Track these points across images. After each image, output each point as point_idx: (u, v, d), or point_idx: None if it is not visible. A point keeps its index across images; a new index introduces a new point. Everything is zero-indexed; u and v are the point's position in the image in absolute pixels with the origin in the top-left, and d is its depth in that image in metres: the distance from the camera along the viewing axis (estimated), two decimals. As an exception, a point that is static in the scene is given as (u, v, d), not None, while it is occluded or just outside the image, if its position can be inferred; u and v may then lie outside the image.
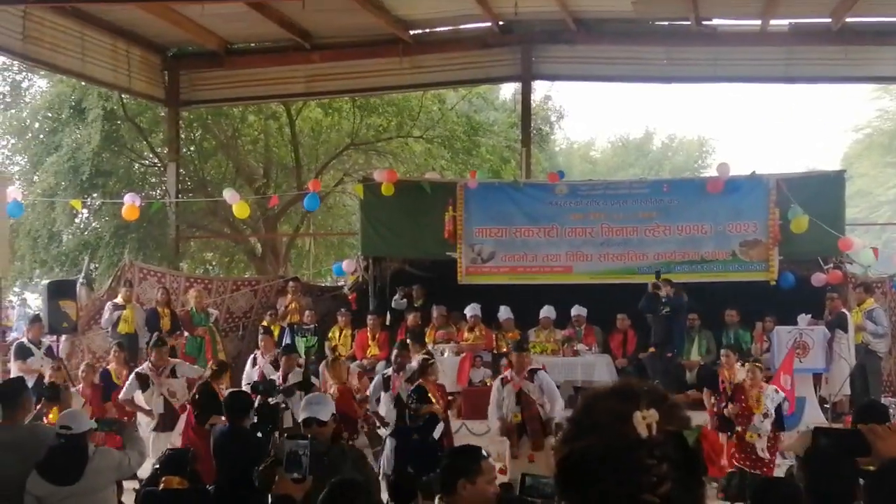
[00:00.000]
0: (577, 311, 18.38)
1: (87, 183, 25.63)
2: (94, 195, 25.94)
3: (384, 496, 8.02)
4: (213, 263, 33.14)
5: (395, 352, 14.11)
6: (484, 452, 5.93)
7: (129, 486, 10.43)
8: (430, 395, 12.73)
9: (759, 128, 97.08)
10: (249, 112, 28.87)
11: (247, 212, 21.77)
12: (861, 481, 5.73)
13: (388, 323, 19.29)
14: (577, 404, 2.29)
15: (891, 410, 14.10)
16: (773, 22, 20.83)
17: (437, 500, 5.86)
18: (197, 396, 12.86)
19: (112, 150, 26.62)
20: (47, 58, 20.08)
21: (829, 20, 20.38)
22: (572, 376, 16.95)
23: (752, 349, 17.39)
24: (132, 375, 14.57)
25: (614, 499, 2.10)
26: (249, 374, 16.23)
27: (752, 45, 21.54)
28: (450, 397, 13.99)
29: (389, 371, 13.82)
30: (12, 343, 17.09)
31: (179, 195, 24.68)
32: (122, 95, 25.09)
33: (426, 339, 18.10)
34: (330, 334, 18.78)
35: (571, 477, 2.17)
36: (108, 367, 15.85)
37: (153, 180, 28.96)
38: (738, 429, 12.54)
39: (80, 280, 20.04)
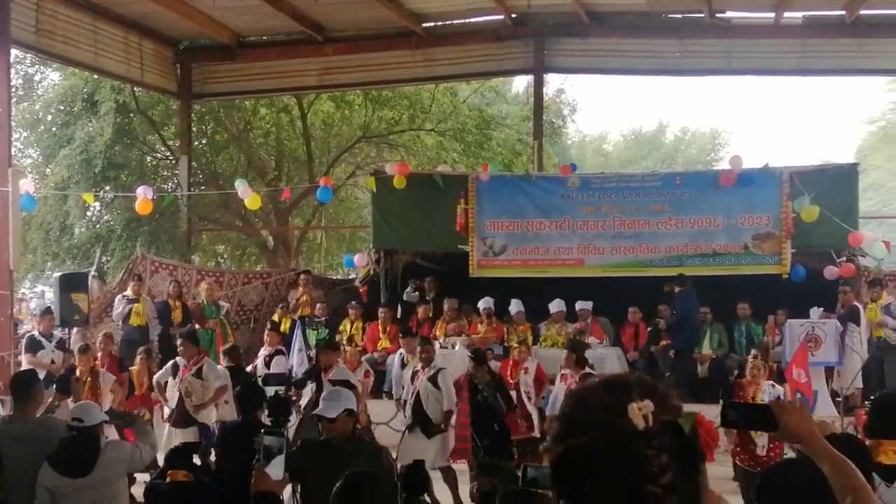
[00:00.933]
0: (581, 304, 18.35)
1: (99, 176, 25.68)
2: (107, 188, 26.01)
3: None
4: (225, 256, 33.17)
5: (419, 348, 14.05)
6: None
7: (142, 478, 10.44)
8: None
9: (772, 120, 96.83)
10: (261, 105, 28.87)
11: (258, 204, 21.79)
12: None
13: (399, 316, 19.29)
14: (566, 402, 2.26)
15: None
16: (786, 14, 20.77)
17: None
18: None
19: (124, 142, 26.66)
20: (60, 51, 20.10)
21: (843, 12, 20.33)
22: (583, 370, 16.91)
23: (764, 342, 17.35)
24: (170, 363, 14.55)
25: (617, 492, 2.08)
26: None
27: (766, 37, 21.49)
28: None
29: (418, 365, 13.75)
30: (24, 336, 17.11)
31: (191, 188, 24.73)
32: (135, 88, 25.12)
33: (438, 332, 18.11)
34: (341, 327, 18.78)
35: (570, 474, 2.15)
36: (131, 368, 15.74)
37: (165, 173, 29.02)
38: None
39: (92, 273, 20.08)
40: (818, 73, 23.65)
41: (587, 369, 13.68)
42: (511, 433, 13.31)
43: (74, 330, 17.37)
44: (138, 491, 9.58)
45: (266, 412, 9.52)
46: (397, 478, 7.22)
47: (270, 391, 11.28)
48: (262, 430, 5.77)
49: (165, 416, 14.24)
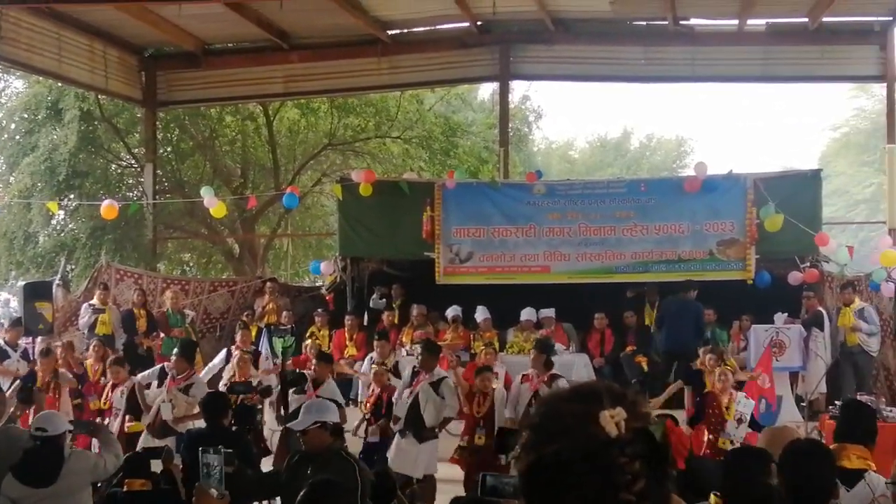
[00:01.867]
0: (544, 312, 18.39)
1: (63, 184, 25.49)
2: (71, 196, 25.84)
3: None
4: (191, 264, 33.02)
5: (420, 351, 14.05)
6: None
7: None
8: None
9: (736, 127, 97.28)
10: (227, 112, 28.81)
11: (224, 212, 21.70)
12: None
13: (365, 323, 19.27)
14: (536, 410, 2.26)
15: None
16: (750, 21, 20.93)
17: None
18: None
19: (89, 150, 26.49)
20: (23, 58, 20.03)
21: (805, 20, 20.49)
22: (550, 376, 16.91)
23: (729, 348, 17.44)
24: (159, 366, 14.43)
25: (590, 501, 2.08)
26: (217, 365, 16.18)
27: (730, 44, 21.66)
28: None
29: (418, 365, 13.70)
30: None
31: (156, 196, 24.64)
32: (99, 96, 25.00)
33: (404, 339, 18.13)
34: (307, 335, 18.73)
35: (542, 483, 2.15)
36: (86, 362, 15.77)
37: (130, 181, 28.85)
38: (711, 437, 12.46)
39: (57, 281, 19.99)
40: (781, 79, 23.86)
41: (554, 371, 13.68)
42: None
43: (38, 339, 17.25)
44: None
45: (231, 420, 9.51)
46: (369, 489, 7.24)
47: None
48: (201, 449, 5.76)
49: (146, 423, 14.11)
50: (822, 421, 13.78)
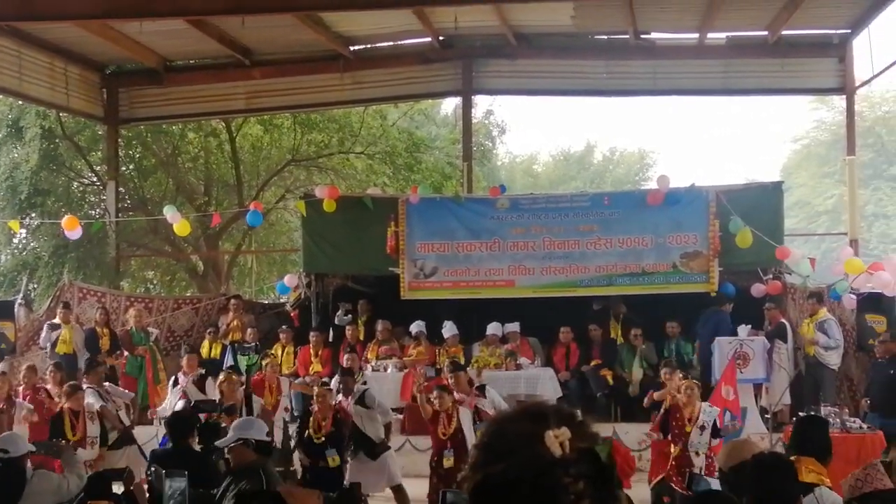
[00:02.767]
0: (509, 327, 18.46)
1: (25, 202, 25.29)
2: (33, 215, 25.65)
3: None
4: (155, 282, 32.85)
5: (339, 378, 14.06)
6: None
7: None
8: None
9: (699, 140, 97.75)
10: (189, 129, 28.70)
11: (188, 230, 21.59)
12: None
13: (330, 339, 19.24)
14: (484, 430, 2.28)
15: (830, 420, 14.28)
16: (710, 35, 21.07)
17: None
18: None
19: (50, 168, 26.29)
20: (-17, 77, 19.90)
21: (765, 33, 20.67)
22: (516, 390, 16.93)
23: (693, 361, 17.52)
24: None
25: None
26: (171, 399, 16.02)
27: (690, 58, 21.84)
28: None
29: (339, 397, 13.69)
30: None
31: (119, 214, 24.53)
32: (60, 114, 24.85)
33: (370, 355, 18.12)
34: (272, 351, 18.66)
35: (488, 502, 2.16)
36: (45, 386, 15.63)
37: (92, 199, 28.68)
38: (675, 448, 12.46)
39: (19, 301, 19.86)
40: (742, 92, 24.04)
41: (477, 385, 13.77)
42: None
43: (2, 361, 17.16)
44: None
45: (197, 439, 9.47)
46: None
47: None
48: (165, 472, 5.76)
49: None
50: (786, 432, 13.83)
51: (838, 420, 14.41)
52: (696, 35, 21.08)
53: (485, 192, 21.60)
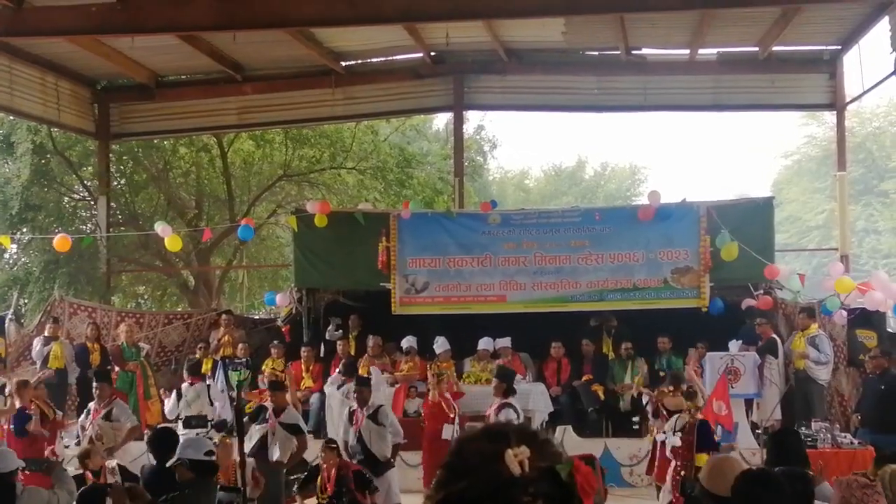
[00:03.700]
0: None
1: (16, 218, 25.27)
2: (24, 230, 25.62)
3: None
4: (146, 297, 32.82)
5: (354, 387, 13.99)
6: None
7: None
8: None
9: (690, 155, 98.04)
10: (181, 144, 28.70)
11: (179, 245, 21.57)
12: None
13: (322, 354, 19.22)
14: (449, 449, 2.30)
15: (820, 435, 14.29)
16: (701, 51, 21.13)
17: None
18: None
19: (41, 184, 26.28)
20: (-26, 92, 19.89)
21: (756, 49, 20.74)
22: (507, 405, 16.92)
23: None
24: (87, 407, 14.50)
25: None
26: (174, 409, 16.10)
27: (681, 73, 21.87)
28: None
29: (354, 405, 13.65)
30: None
31: (110, 229, 24.50)
32: (52, 129, 24.85)
33: (361, 370, 18.07)
34: (263, 367, 18.64)
35: None
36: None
37: (84, 214, 28.65)
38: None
39: (9, 316, 19.81)
40: (733, 108, 24.14)
41: (510, 399, 13.71)
42: None
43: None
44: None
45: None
46: None
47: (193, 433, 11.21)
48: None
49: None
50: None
51: (829, 435, 14.44)
52: (687, 51, 21.14)
53: (476, 208, 21.64)
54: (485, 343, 18.40)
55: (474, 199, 30.92)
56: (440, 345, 18.25)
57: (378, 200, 29.10)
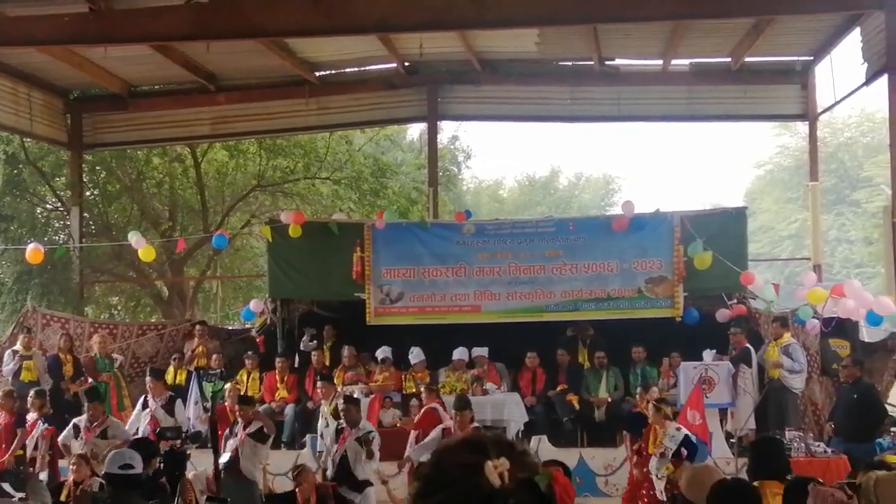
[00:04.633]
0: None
1: (-12, 229, 25.21)
2: (-4, 241, 25.53)
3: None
4: (119, 308, 32.68)
5: (342, 406, 13.85)
6: None
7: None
8: None
9: (663, 166, 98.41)
10: (154, 154, 28.61)
11: (152, 255, 21.47)
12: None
13: (296, 365, 19.17)
14: (427, 461, 2.30)
15: (794, 444, 14.33)
16: (674, 62, 21.22)
17: None
18: None
19: (14, 194, 26.18)
20: (-54, 103, 19.79)
21: (728, 60, 20.85)
22: (482, 415, 16.85)
23: (658, 385, 17.54)
24: (71, 424, 14.35)
25: None
26: (137, 419, 15.96)
27: (654, 84, 21.96)
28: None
29: (343, 424, 13.57)
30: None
31: (83, 239, 24.39)
32: (24, 139, 24.74)
33: (336, 381, 18.03)
34: (237, 377, 18.58)
35: None
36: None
37: (56, 224, 28.55)
38: (635, 471, 12.44)
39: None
40: (705, 118, 24.26)
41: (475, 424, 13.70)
42: None
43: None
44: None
45: (160, 466, 9.41)
46: None
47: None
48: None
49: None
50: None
51: (803, 444, 14.48)
52: (660, 62, 21.22)
53: (451, 218, 21.61)
54: (459, 353, 18.39)
55: (449, 209, 30.91)
56: (415, 355, 18.25)
57: (352, 210, 29.10)
